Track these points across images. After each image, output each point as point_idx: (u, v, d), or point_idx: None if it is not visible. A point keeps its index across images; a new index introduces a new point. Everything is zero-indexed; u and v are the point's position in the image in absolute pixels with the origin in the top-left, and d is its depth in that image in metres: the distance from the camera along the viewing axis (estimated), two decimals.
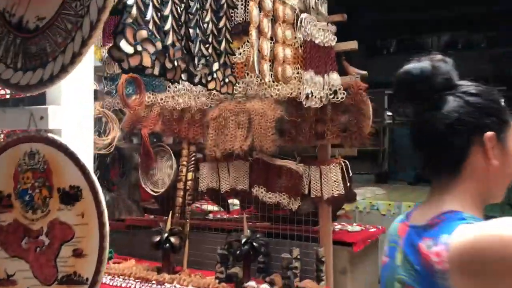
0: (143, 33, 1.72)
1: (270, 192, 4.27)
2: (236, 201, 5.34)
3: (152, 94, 4.77)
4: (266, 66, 2.85)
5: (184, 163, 4.62)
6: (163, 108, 4.72)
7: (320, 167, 4.09)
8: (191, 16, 2.17)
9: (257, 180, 4.41)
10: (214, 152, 4.39)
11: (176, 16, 2.04)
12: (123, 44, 1.61)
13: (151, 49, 1.74)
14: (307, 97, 3.48)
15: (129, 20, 1.66)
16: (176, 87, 4.64)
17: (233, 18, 3.38)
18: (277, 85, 3.93)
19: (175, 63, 1.99)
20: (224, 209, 5.01)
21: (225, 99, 4.46)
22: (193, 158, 4.60)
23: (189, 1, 2.16)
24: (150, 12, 1.83)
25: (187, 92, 4.60)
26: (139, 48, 1.69)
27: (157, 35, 1.87)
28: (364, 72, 4.11)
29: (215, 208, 5.53)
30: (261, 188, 4.38)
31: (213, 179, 4.57)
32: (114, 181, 4.58)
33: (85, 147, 1.49)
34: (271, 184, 4.32)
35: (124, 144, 4.82)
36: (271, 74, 3.08)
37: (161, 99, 4.72)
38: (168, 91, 4.71)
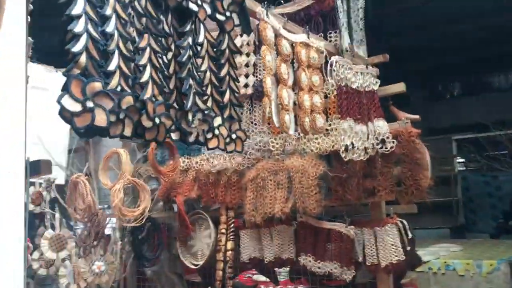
0: (96, 86, 1.38)
1: (319, 261, 3.73)
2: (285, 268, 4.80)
3: (187, 158, 4.47)
4: (287, 117, 2.44)
5: (223, 230, 4.20)
6: (199, 172, 4.39)
7: (374, 229, 3.53)
8: (181, 65, 1.82)
9: (304, 247, 3.90)
10: (253, 217, 3.95)
11: (158, 65, 1.70)
12: (66, 101, 1.27)
13: (108, 104, 1.39)
14: (346, 149, 3.00)
15: (75, 71, 1.33)
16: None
17: None
18: (316, 138, 3.50)
19: (157, 120, 1.63)
20: (271, 280, 4.48)
21: (262, 157, 4.07)
22: (232, 225, 4.18)
23: (179, 49, 1.82)
24: (115, 61, 1.49)
25: (221, 153, 4.26)
26: (89, 104, 1.33)
27: (126, 88, 1.52)
28: (416, 117, 3.59)
29: (263, 278, 5.00)
30: (309, 256, 3.85)
31: (255, 247, 4.11)
32: (148, 256, 4.23)
33: None
34: (319, 251, 3.78)
35: (159, 213, 4.50)
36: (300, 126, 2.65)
37: (196, 162, 4.40)
38: (203, 153, 4.40)
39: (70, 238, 4.33)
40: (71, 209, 4.27)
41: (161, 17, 1.79)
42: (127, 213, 4.01)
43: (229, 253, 4.17)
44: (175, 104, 1.80)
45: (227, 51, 2.06)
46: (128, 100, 1.51)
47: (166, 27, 1.81)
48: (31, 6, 1.44)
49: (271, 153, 4.00)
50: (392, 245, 3.38)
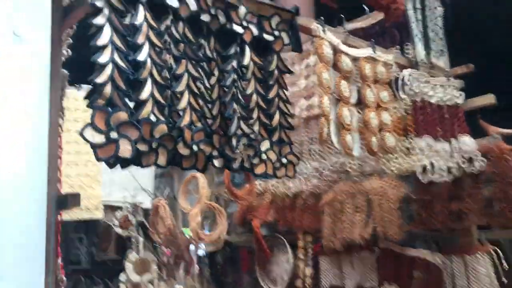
0: (121, 116, 1.35)
1: None
2: None
3: (263, 181, 4.41)
4: (349, 138, 2.27)
5: (301, 256, 4.06)
6: (275, 195, 4.31)
7: (464, 258, 3.18)
8: (226, 90, 1.77)
9: (386, 276, 3.63)
10: (332, 242, 3.77)
11: (197, 91, 1.65)
12: (89, 134, 1.26)
13: (133, 134, 1.36)
14: (424, 170, 2.75)
15: (100, 102, 1.32)
16: None
17: None
18: (396, 158, 3.27)
19: (195, 147, 1.58)
20: None
21: (338, 179, 3.89)
22: (310, 251, 4.02)
23: (223, 73, 1.77)
24: (147, 90, 1.47)
25: (297, 175, 4.13)
26: (113, 135, 1.31)
27: (159, 117, 1.49)
28: (509, 131, 3.22)
29: None
30: (393, 285, 3.58)
31: (336, 274, 3.91)
32: (228, 280, 4.20)
33: None
34: (403, 280, 3.50)
35: (238, 237, 4.47)
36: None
37: (272, 185, 4.32)
38: None
39: (153, 261, 4.45)
40: (153, 232, 4.40)
41: (202, 41, 1.75)
42: (204, 237, 4.03)
43: (308, 279, 4.01)
44: (218, 130, 1.74)
45: (276, 71, 1.97)
46: (161, 129, 1.48)
47: (208, 52, 1.77)
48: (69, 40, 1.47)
49: (348, 174, 3.82)
50: (485, 276, 3.02)
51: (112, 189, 4.71)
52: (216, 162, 1.71)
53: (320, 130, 2.13)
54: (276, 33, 1.98)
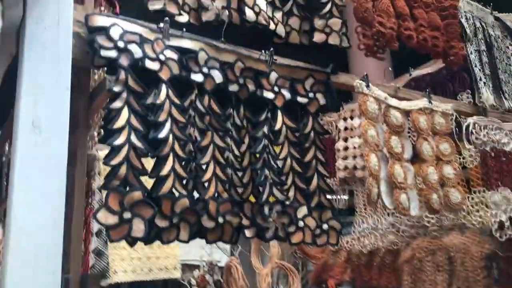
0: (135, 196, 1.38)
1: None
2: None
3: None
4: (404, 197, 2.11)
5: None
6: (350, 253, 4.12)
7: None
8: (257, 156, 1.75)
9: None
10: None
11: (223, 161, 1.66)
12: (102, 215, 1.30)
13: (147, 213, 1.37)
14: (501, 227, 2.48)
15: (114, 183, 1.36)
16: (360, 226, 4.04)
17: None
18: (477, 211, 3.00)
19: (220, 220, 1.56)
20: None
21: (417, 234, 3.65)
22: None
23: (254, 140, 1.77)
24: (168, 165, 1.50)
25: (372, 231, 3.94)
26: (126, 215, 1.34)
27: (181, 191, 1.50)
28: None
29: None
30: None
31: None
32: None
33: None
34: None
35: None
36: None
37: (347, 242, 4.14)
38: (354, 232, 4.14)
39: None
40: None
41: (230, 110, 1.76)
42: None
43: None
44: (250, 198, 1.71)
45: (312, 134, 1.92)
46: (183, 203, 1.48)
47: (237, 120, 1.77)
48: None
49: (426, 229, 3.56)
50: None
51: (190, 247, 4.79)
52: (248, 232, 1.67)
53: (367, 191, 2.01)
54: (311, 94, 1.95)
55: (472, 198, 2.67)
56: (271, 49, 1.90)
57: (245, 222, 1.68)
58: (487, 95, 2.71)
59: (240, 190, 1.72)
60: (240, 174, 1.73)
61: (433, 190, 2.27)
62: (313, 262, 4.15)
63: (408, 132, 2.41)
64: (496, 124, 2.69)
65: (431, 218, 3.45)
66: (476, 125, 2.58)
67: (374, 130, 2.14)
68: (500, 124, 2.72)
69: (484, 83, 2.74)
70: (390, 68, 3.83)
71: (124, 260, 3.20)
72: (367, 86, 2.19)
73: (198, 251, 4.83)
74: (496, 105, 2.82)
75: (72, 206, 1.41)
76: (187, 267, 4.80)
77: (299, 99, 1.93)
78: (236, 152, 1.74)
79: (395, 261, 3.79)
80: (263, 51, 1.89)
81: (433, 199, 2.25)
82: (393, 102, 2.28)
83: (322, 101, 1.97)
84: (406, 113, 2.33)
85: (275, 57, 1.92)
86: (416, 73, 3.59)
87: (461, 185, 2.46)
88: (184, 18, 1.76)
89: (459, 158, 2.58)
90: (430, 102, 2.44)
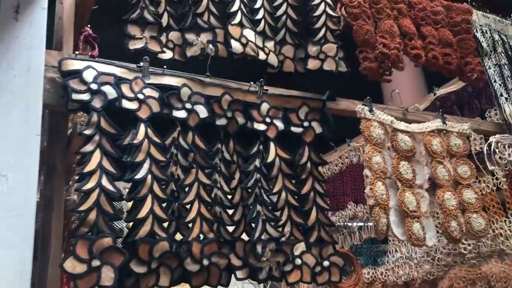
0: (105, 242, 1.33)
1: None
2: None
3: (372, 269, 4.04)
4: (417, 226, 1.96)
5: None
6: (385, 284, 3.91)
7: None
8: (249, 191, 1.68)
9: None
10: None
11: (209, 199, 1.59)
12: (69, 264, 1.25)
13: (118, 260, 1.31)
14: None
15: (82, 230, 1.31)
16: (394, 256, 3.84)
17: None
18: None
19: (205, 262, 1.48)
20: None
21: (453, 263, 3.42)
22: None
23: (245, 174, 1.70)
24: (146, 207, 1.44)
25: (406, 260, 3.73)
26: (95, 263, 1.28)
27: (160, 233, 1.44)
28: None
29: None
30: None
31: None
32: None
33: None
34: None
35: None
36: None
37: (381, 273, 3.94)
38: (388, 262, 3.93)
39: None
40: None
41: (219, 145, 1.71)
42: None
43: None
44: (242, 237, 1.63)
45: (308, 164, 1.82)
46: (162, 247, 1.42)
47: (226, 155, 1.71)
48: None
49: (463, 257, 3.33)
50: None
51: None
52: (240, 273, 1.58)
53: (374, 222, 1.88)
54: (306, 123, 1.86)
55: (510, 222, 2.46)
56: (261, 79, 1.84)
57: (236, 262, 1.59)
58: (509, 111, 2.52)
59: (231, 228, 1.63)
60: (230, 211, 1.65)
61: (452, 217, 2.10)
62: None
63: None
64: None
65: (467, 245, 3.23)
66: (500, 144, 2.40)
67: (380, 157, 2.02)
68: None
69: (506, 98, 2.56)
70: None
71: None
72: (370, 110, 2.09)
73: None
74: None
75: (48, 253, 1.38)
76: None
77: (293, 129, 1.85)
78: (226, 188, 1.68)
79: None
80: (251, 83, 1.83)
81: (452, 227, 2.09)
82: (401, 125, 2.15)
83: (318, 129, 1.88)
84: (417, 136, 2.19)
85: (266, 88, 1.86)
86: (440, 92, 3.44)
87: (495, 208, 2.28)
88: (167, 55, 1.74)
89: (487, 180, 2.39)
90: (444, 123, 2.29)
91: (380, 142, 2.05)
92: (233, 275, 1.59)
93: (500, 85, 2.60)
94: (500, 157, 2.39)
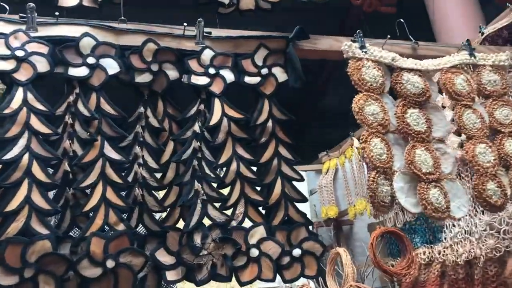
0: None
1: None
2: None
3: (428, 248, 3.47)
4: (435, 192, 1.42)
5: None
6: (444, 265, 3.35)
7: None
8: (184, 166, 1.27)
9: None
10: None
11: (120, 180, 1.20)
12: None
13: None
14: None
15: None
16: (451, 232, 3.27)
17: None
18: None
19: (110, 264, 1.09)
20: None
21: None
22: None
23: (181, 143, 1.29)
24: (21, 194, 1.08)
25: (466, 236, 3.15)
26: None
27: (39, 230, 1.07)
28: None
29: None
30: None
31: None
32: None
33: None
34: None
35: None
36: None
37: (439, 252, 3.38)
38: (445, 239, 3.36)
39: None
40: None
41: (141, 109, 1.30)
42: None
43: None
44: (173, 227, 1.22)
45: (270, 123, 1.37)
46: (41, 248, 1.04)
47: (153, 120, 1.30)
48: None
49: None
50: None
51: None
52: (171, 275, 1.17)
53: (370, 193, 1.38)
54: (264, 71, 1.40)
55: None
56: (199, 19, 1.41)
57: (166, 259, 1.19)
58: None
59: (159, 216, 1.23)
60: (160, 194, 1.25)
61: (488, 176, 1.55)
62: (398, 281, 3.43)
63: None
64: None
65: None
66: None
67: (377, 105, 1.51)
68: None
69: None
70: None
71: None
72: (362, 47, 1.57)
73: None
74: None
75: None
76: None
77: (248, 79, 1.40)
78: (152, 164, 1.27)
79: (501, 272, 2.99)
80: (185, 24, 1.40)
81: (489, 190, 1.53)
82: (407, 63, 1.62)
83: (281, 77, 1.42)
84: (432, 75, 1.65)
85: (208, 30, 1.42)
86: (489, 29, 2.80)
87: None
88: (71, 1, 1.35)
89: None
90: (471, 55, 1.72)
91: (377, 87, 1.54)
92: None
93: None
94: None
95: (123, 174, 1.22)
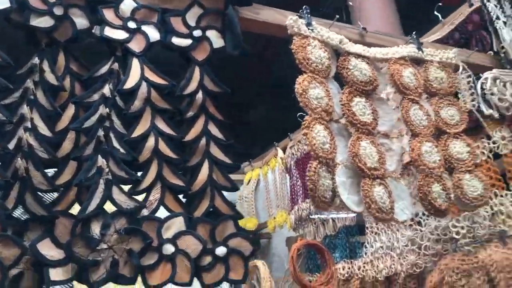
0: None
1: None
2: None
3: (348, 263, 3.37)
4: (379, 191, 1.26)
5: None
6: (364, 281, 3.27)
7: None
8: (87, 137, 0.99)
9: None
10: None
11: None
12: None
13: None
14: None
15: None
16: (372, 247, 3.20)
17: None
18: None
19: None
20: None
21: (444, 251, 2.81)
22: None
23: (83, 105, 1.01)
24: None
25: (387, 251, 3.09)
26: None
27: None
28: None
29: None
30: None
31: None
32: None
33: None
34: None
35: None
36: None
37: (359, 268, 3.29)
38: (366, 254, 3.28)
39: None
40: None
41: (36, 60, 1.01)
42: None
43: None
44: (67, 213, 0.94)
45: (200, 94, 1.13)
46: None
47: (50, 77, 1.02)
48: None
49: (456, 243, 2.72)
50: None
51: None
52: (55, 274, 0.89)
53: (310, 186, 1.19)
54: (197, 33, 1.17)
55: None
56: None
57: (52, 253, 0.90)
58: (510, 38, 1.84)
59: (48, 197, 0.94)
60: (51, 171, 0.96)
61: (434, 178, 1.42)
62: None
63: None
64: None
65: (460, 228, 2.63)
66: (498, 81, 1.72)
67: (322, 89, 1.33)
68: None
69: (504, 22, 1.88)
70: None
71: None
72: (308, 24, 1.40)
73: None
74: None
75: None
76: None
77: (176, 40, 1.16)
78: (45, 130, 0.98)
79: None
80: None
81: (434, 193, 1.40)
82: (356, 48, 1.46)
83: (217, 42, 1.19)
84: (380, 64, 1.51)
85: None
86: (426, 41, 2.77)
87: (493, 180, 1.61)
88: None
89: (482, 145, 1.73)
90: (419, 49, 1.61)
91: (322, 69, 1.36)
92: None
93: (495, 5, 1.91)
94: (499, 98, 1.70)
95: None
